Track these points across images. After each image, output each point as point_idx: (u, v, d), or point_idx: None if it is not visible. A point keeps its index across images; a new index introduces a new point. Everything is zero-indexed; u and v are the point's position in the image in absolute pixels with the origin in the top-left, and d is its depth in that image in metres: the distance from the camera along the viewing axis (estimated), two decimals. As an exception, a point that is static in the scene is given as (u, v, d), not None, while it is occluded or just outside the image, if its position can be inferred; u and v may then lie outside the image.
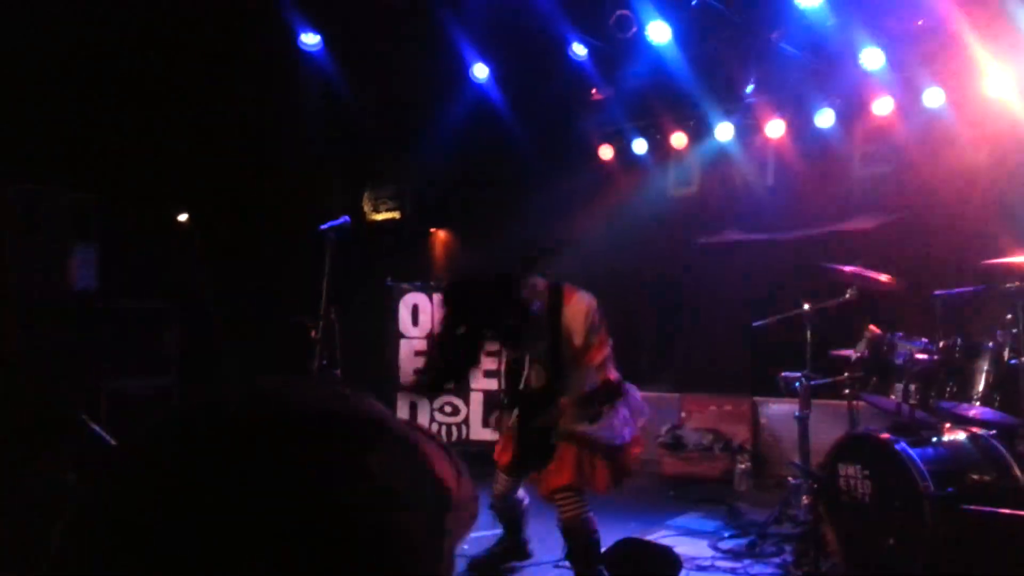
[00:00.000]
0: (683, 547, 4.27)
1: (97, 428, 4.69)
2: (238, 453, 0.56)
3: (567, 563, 4.11)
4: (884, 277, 4.39)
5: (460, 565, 4.14)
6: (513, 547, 4.22)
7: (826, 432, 4.52)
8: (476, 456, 6.01)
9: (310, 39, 6.61)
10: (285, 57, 6.73)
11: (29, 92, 6.21)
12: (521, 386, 3.83)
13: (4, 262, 6.27)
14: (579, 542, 3.64)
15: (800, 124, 6.67)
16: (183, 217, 8.64)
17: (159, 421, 0.59)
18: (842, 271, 4.44)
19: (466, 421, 6.52)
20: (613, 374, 3.70)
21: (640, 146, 7.40)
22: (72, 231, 6.76)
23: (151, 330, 6.70)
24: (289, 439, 0.57)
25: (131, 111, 6.96)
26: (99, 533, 0.56)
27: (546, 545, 4.25)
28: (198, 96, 7.07)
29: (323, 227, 4.42)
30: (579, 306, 3.59)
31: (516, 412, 3.83)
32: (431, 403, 6.59)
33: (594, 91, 7.24)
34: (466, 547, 4.31)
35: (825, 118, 6.49)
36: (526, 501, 4.16)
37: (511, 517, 4.18)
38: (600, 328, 3.62)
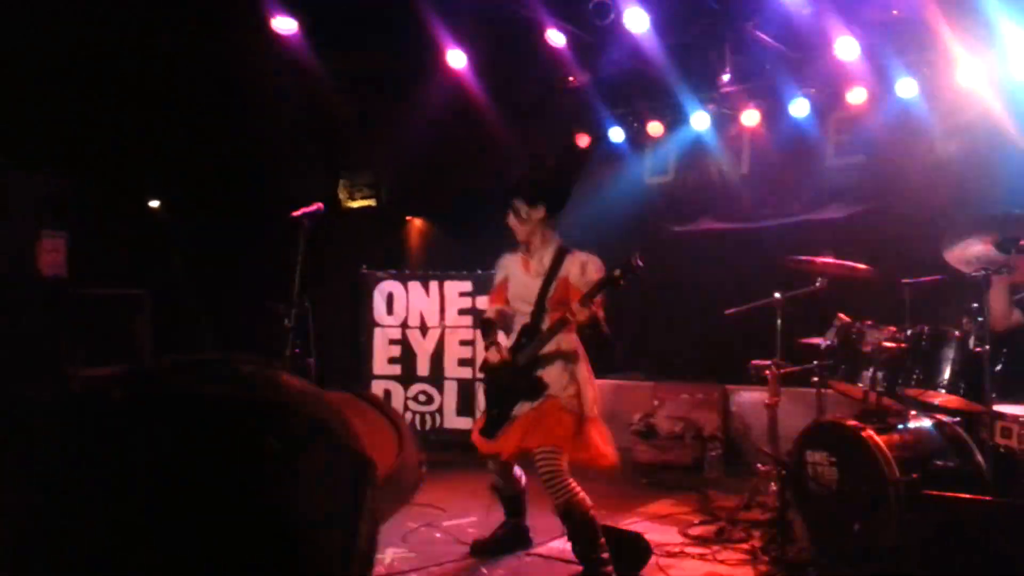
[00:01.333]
0: (653, 534, 4.30)
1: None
2: (123, 439, 0.55)
3: (537, 554, 4.16)
4: (857, 265, 4.43)
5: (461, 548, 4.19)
6: (516, 532, 4.25)
7: (795, 419, 4.57)
8: (451, 444, 6.04)
9: (285, 24, 6.53)
10: (260, 42, 6.65)
11: (2, 76, 6.10)
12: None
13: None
14: (575, 523, 3.66)
15: (775, 113, 6.69)
16: (155, 203, 8.54)
17: (48, 403, 0.59)
18: (812, 262, 4.48)
19: (440, 410, 6.51)
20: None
21: (616, 134, 7.40)
22: (43, 216, 6.67)
23: (122, 318, 6.62)
24: (180, 423, 0.57)
25: (104, 97, 6.86)
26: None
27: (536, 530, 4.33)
28: (171, 82, 6.98)
29: (296, 214, 4.39)
30: (586, 256, 4.00)
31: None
32: (405, 392, 6.58)
33: (571, 78, 7.22)
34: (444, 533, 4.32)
35: (800, 107, 6.51)
36: (524, 480, 4.18)
37: (511, 495, 4.19)
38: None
